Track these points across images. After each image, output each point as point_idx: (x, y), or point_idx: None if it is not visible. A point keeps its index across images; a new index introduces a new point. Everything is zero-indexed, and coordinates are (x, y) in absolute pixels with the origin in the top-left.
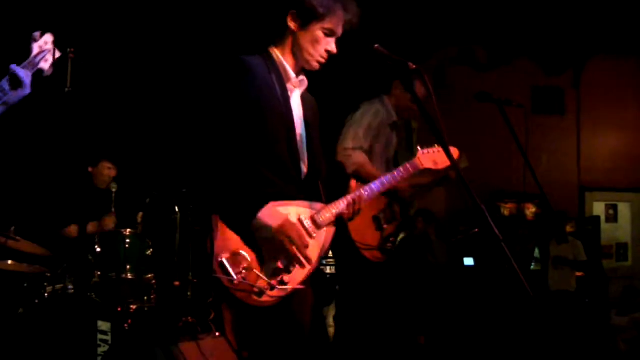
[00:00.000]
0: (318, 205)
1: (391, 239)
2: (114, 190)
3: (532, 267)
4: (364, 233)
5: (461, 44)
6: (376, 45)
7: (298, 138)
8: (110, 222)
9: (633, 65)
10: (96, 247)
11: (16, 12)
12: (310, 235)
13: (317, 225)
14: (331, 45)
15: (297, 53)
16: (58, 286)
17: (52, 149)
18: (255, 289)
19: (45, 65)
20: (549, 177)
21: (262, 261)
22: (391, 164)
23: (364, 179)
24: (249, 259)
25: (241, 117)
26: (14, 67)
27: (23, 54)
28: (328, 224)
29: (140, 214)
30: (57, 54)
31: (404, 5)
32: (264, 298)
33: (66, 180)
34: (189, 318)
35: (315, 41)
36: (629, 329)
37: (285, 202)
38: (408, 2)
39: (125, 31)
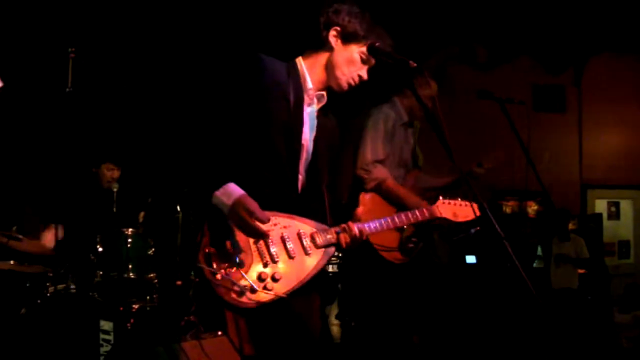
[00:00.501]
0: (323, 227)
1: (413, 239)
2: (115, 190)
3: (534, 264)
4: (382, 235)
5: (462, 43)
6: (377, 44)
7: (302, 151)
8: (49, 235)
9: (634, 63)
10: (98, 246)
11: (17, 12)
12: (305, 251)
13: (316, 245)
14: (364, 72)
15: (330, 70)
16: (60, 286)
17: (54, 149)
18: (236, 288)
19: None
20: (551, 174)
21: (249, 264)
22: (409, 165)
23: (385, 195)
24: (236, 258)
25: (241, 109)
26: None
27: (23, 53)
28: (327, 246)
29: (142, 213)
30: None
31: (404, 4)
32: (244, 299)
33: (68, 180)
34: (191, 317)
35: (351, 62)
36: (632, 327)
37: (290, 215)
38: (408, 1)
39: (127, 31)
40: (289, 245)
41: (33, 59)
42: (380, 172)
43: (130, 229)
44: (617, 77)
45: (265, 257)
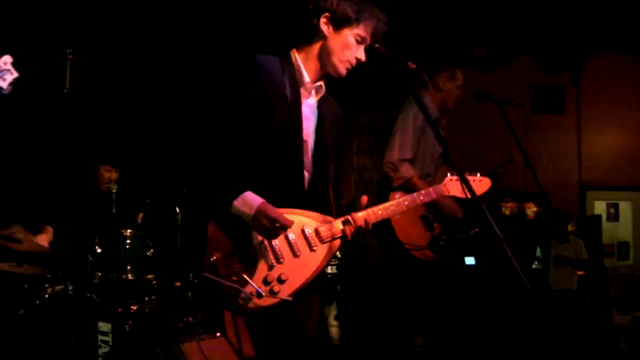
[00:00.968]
0: (328, 219)
1: (443, 237)
2: (114, 191)
3: (533, 266)
4: (410, 234)
5: (461, 42)
6: (376, 45)
7: (304, 144)
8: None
9: (633, 63)
10: (97, 248)
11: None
12: (310, 248)
13: (321, 239)
14: (360, 52)
15: (325, 58)
16: (58, 287)
17: (52, 150)
18: (242, 294)
19: (4, 84)
20: (550, 176)
21: (254, 268)
22: (440, 161)
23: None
24: (241, 263)
25: (239, 112)
26: None
27: (23, 53)
28: (332, 239)
29: (141, 214)
30: (15, 75)
31: (403, 4)
32: (250, 305)
33: (66, 181)
34: (190, 319)
35: (347, 46)
36: (631, 328)
37: (293, 210)
38: (408, 1)
39: (125, 32)
40: (294, 243)
41: (31, 60)
42: (407, 171)
43: (128, 230)
44: (617, 78)
45: (270, 259)
